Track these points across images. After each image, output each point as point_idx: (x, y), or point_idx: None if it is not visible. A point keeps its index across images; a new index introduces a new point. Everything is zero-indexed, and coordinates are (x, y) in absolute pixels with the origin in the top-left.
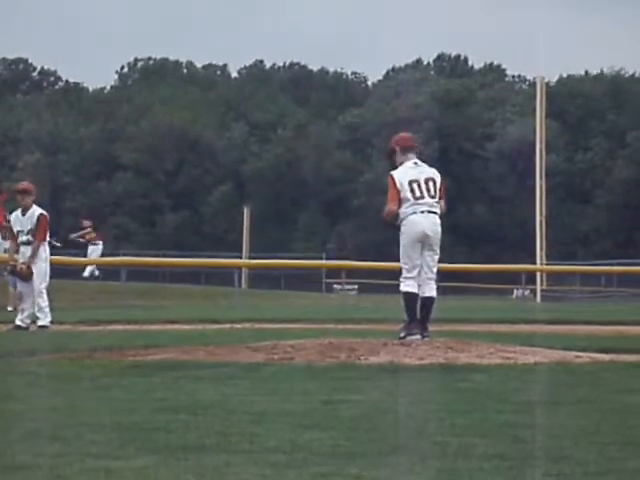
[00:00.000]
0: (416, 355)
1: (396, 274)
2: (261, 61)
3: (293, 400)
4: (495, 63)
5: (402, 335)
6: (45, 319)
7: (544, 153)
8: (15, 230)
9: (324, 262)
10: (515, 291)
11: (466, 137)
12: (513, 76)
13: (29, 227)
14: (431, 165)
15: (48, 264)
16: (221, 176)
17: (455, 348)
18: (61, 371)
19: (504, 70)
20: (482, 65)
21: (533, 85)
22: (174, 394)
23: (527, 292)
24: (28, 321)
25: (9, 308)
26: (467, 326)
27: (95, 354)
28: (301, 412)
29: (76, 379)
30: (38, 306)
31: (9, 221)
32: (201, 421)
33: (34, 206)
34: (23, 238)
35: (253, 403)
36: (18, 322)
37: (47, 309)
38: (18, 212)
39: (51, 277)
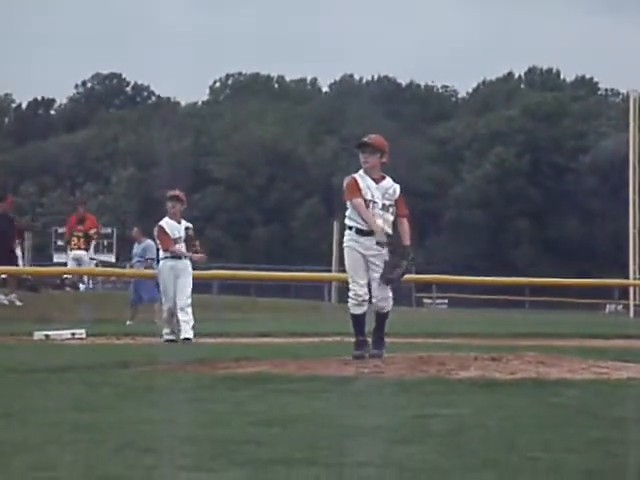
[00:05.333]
0: (507, 370)
1: (485, 288)
2: (350, 75)
3: (383, 414)
4: (587, 76)
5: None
6: (188, 332)
7: (637, 166)
8: (174, 237)
9: (414, 276)
10: (608, 306)
11: (558, 150)
12: (606, 89)
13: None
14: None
15: (191, 279)
16: (311, 190)
17: (547, 363)
18: (153, 383)
19: (596, 83)
20: (574, 78)
21: (626, 98)
22: (265, 407)
23: (620, 307)
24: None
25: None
26: (559, 341)
27: (187, 367)
28: (391, 426)
29: (168, 391)
30: (180, 320)
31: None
32: (292, 434)
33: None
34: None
35: (343, 417)
36: (171, 337)
37: (188, 325)
38: (171, 220)
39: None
